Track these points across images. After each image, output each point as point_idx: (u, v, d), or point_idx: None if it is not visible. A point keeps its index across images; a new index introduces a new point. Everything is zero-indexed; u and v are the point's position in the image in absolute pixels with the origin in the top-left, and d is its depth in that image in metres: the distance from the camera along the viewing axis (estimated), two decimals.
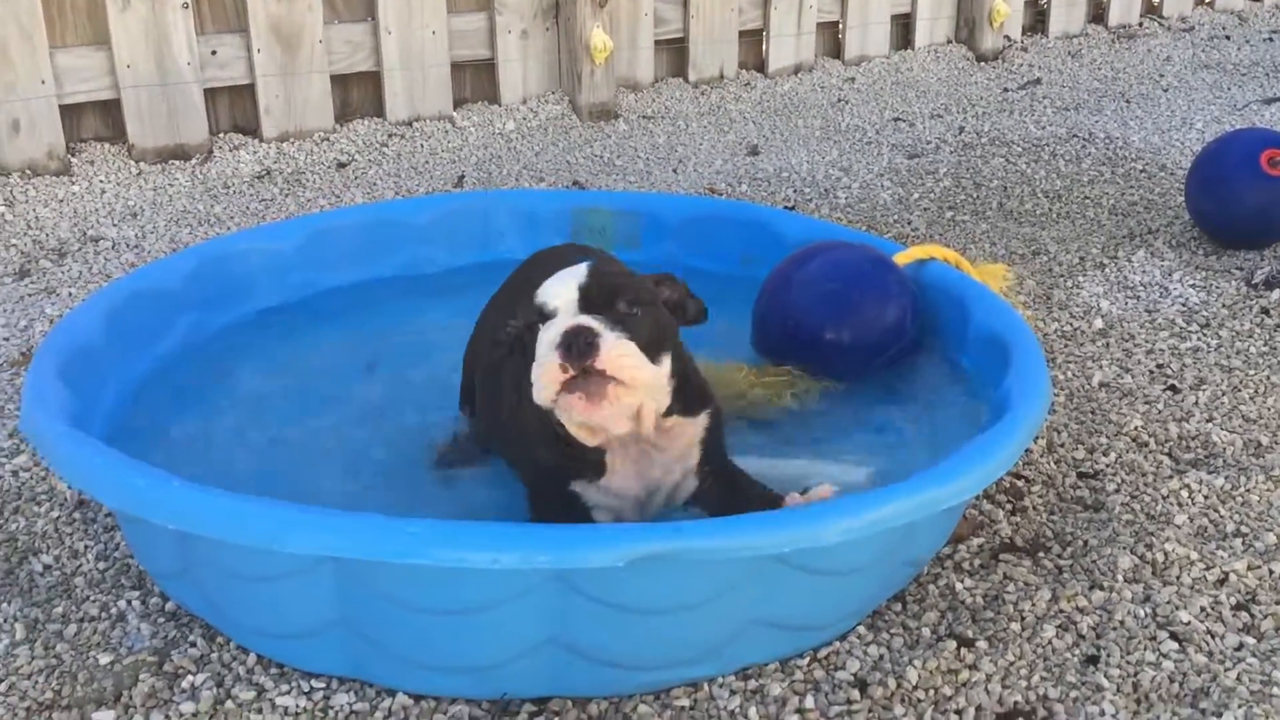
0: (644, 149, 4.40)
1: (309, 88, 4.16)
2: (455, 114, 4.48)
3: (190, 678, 1.74)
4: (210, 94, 4.03)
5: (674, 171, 4.16)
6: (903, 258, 2.45)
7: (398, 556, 1.48)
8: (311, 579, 1.59)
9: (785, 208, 3.75)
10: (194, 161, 3.98)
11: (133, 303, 2.32)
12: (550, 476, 1.88)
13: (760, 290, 2.50)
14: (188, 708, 1.68)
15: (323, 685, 1.72)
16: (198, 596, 1.79)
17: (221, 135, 4.12)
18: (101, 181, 3.82)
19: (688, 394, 1.82)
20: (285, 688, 1.72)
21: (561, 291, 1.73)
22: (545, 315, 1.71)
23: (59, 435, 1.74)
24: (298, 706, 1.69)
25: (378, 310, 2.67)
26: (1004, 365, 2.07)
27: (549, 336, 1.67)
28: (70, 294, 3.12)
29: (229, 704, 1.69)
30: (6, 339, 2.84)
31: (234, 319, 2.55)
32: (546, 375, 1.65)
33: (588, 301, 1.71)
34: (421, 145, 4.32)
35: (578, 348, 1.64)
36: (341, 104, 4.32)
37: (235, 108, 4.15)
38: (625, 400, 1.69)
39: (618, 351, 1.65)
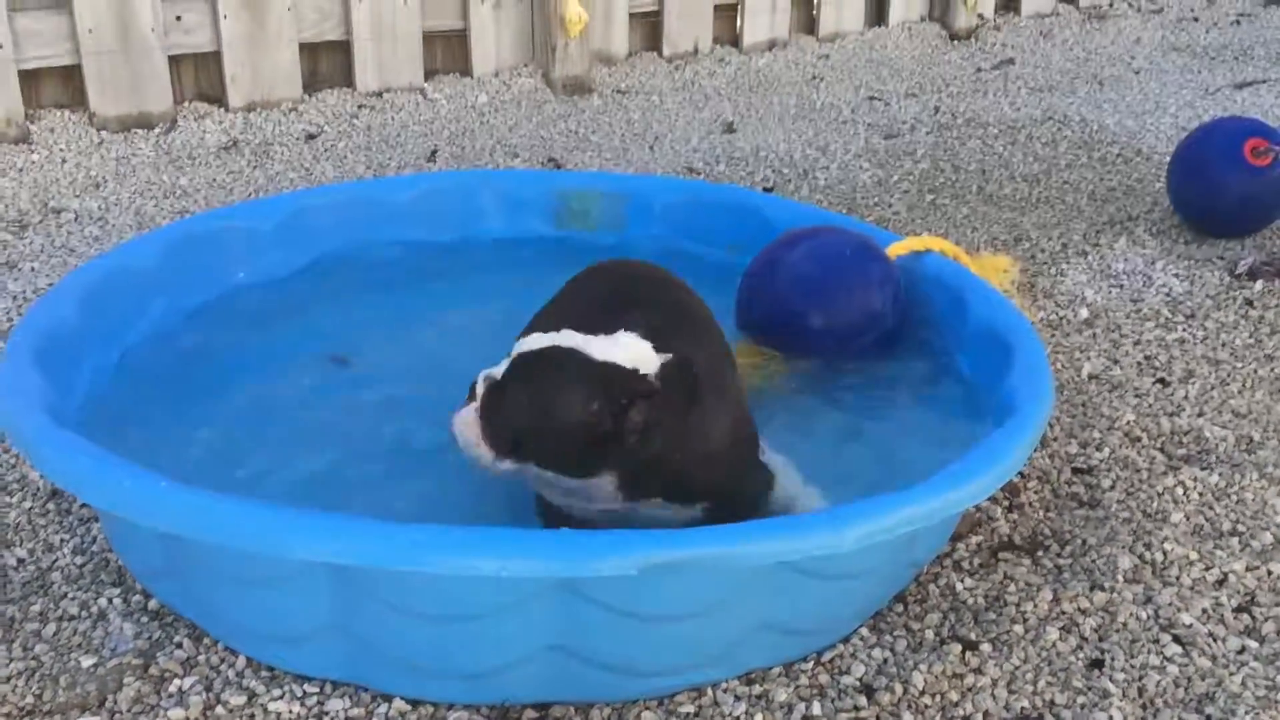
0: (619, 125, 4.33)
1: (277, 56, 4.04)
2: (426, 85, 4.38)
3: (178, 681, 1.68)
4: (175, 61, 3.91)
5: (650, 149, 4.10)
6: (898, 248, 2.43)
7: (403, 564, 1.43)
8: (307, 583, 1.54)
9: (764, 189, 3.71)
10: (158, 130, 3.86)
11: (107, 284, 2.23)
12: None
13: (745, 270, 2.48)
14: (176, 714, 1.62)
15: (316, 690, 1.67)
16: (184, 597, 1.73)
17: (186, 104, 4.00)
18: (62, 150, 3.69)
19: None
20: (277, 692, 1.66)
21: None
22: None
23: (40, 430, 1.66)
24: (291, 712, 1.63)
25: (359, 294, 2.59)
26: (1004, 363, 2.04)
27: None
28: (33, 269, 3.01)
29: (219, 709, 1.63)
30: None
31: (210, 301, 2.46)
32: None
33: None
34: (392, 118, 4.22)
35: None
36: (310, 73, 4.20)
37: (201, 75, 4.03)
38: None
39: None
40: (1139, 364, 2.65)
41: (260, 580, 1.57)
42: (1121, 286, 3.06)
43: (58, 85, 3.80)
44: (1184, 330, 2.80)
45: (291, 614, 1.60)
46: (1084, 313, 2.89)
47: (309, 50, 4.16)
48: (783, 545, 1.50)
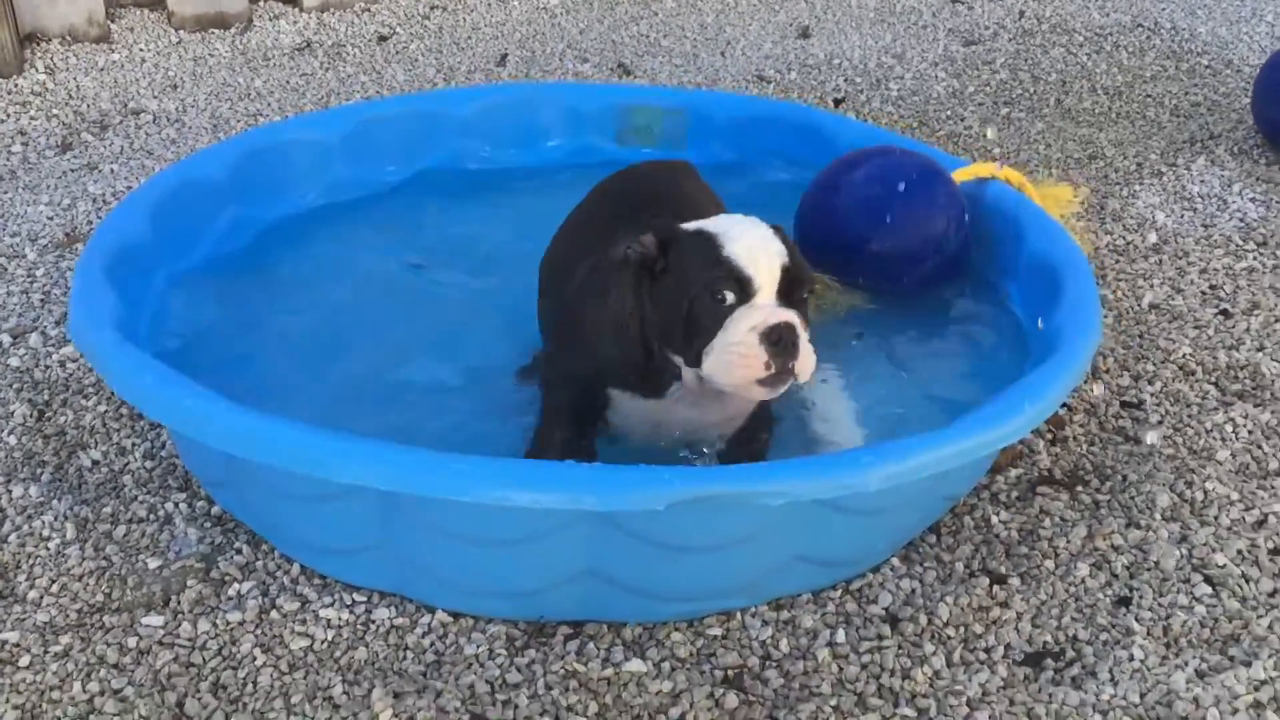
0: (691, 29, 4.28)
1: None
2: None
3: (236, 585, 1.78)
4: None
5: (721, 55, 4.05)
6: (962, 174, 2.39)
7: (443, 493, 1.49)
8: (357, 503, 1.62)
9: (834, 100, 3.66)
10: (234, 30, 3.91)
11: (177, 196, 2.30)
12: (587, 375, 1.85)
13: (804, 193, 2.45)
14: (234, 616, 1.72)
15: (364, 599, 1.76)
16: (243, 506, 1.83)
17: (262, 3, 4.03)
18: (141, 50, 3.76)
19: None
20: (328, 599, 1.76)
21: (764, 268, 1.69)
22: (746, 290, 1.68)
23: (109, 347, 1.75)
24: (340, 619, 1.73)
25: (421, 208, 2.64)
26: (1053, 298, 2.03)
27: (754, 322, 1.66)
28: (112, 170, 3.10)
29: (274, 614, 1.73)
30: (50, 218, 2.84)
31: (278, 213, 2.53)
32: (751, 365, 1.65)
33: (788, 287, 1.70)
34: (464, 19, 4.22)
35: (786, 348, 1.65)
36: None
37: None
38: None
39: (811, 360, 1.68)
40: (1203, 293, 2.60)
41: (313, 497, 1.65)
42: (1195, 210, 2.99)
43: None
44: (1254, 259, 2.74)
45: (340, 530, 1.68)
46: (1152, 237, 2.84)
47: None
48: (807, 486, 1.54)
